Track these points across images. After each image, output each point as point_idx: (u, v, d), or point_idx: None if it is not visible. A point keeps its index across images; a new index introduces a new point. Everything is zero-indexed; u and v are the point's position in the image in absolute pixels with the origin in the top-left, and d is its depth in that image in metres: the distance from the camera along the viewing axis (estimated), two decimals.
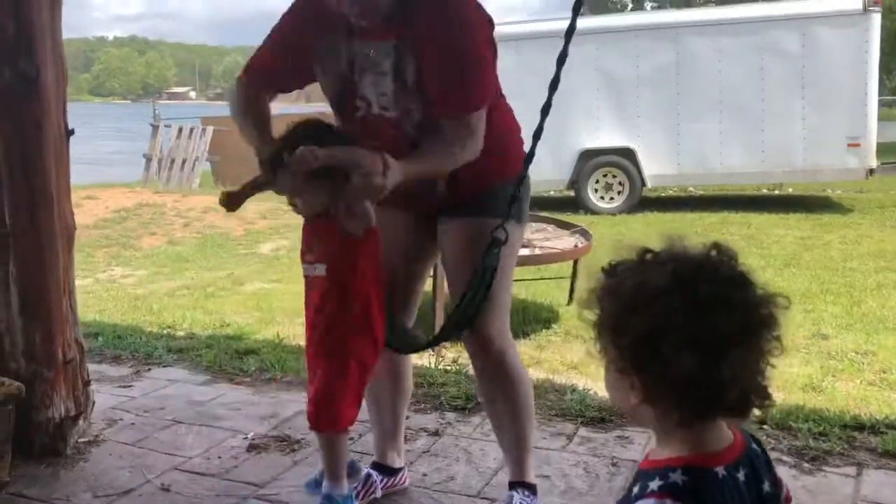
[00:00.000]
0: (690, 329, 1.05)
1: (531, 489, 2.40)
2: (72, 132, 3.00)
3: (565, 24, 2.10)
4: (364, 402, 2.36)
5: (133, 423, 3.27)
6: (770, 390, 1.13)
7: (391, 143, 2.03)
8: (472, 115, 2.04)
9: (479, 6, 2.08)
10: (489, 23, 2.07)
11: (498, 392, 2.34)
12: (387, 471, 2.58)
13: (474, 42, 2.05)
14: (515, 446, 2.39)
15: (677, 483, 1.07)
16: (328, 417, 2.16)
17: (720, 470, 1.09)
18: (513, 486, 2.40)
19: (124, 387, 3.74)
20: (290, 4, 2.22)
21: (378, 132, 2.11)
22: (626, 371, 1.11)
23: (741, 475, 1.10)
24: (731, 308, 1.07)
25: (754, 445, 1.18)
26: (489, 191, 2.20)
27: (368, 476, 2.54)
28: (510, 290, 2.42)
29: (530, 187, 2.31)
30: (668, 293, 1.07)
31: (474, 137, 2.05)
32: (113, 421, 3.28)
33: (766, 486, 1.15)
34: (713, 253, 1.15)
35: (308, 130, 2.03)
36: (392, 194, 1.94)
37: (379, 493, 2.53)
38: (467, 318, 2.18)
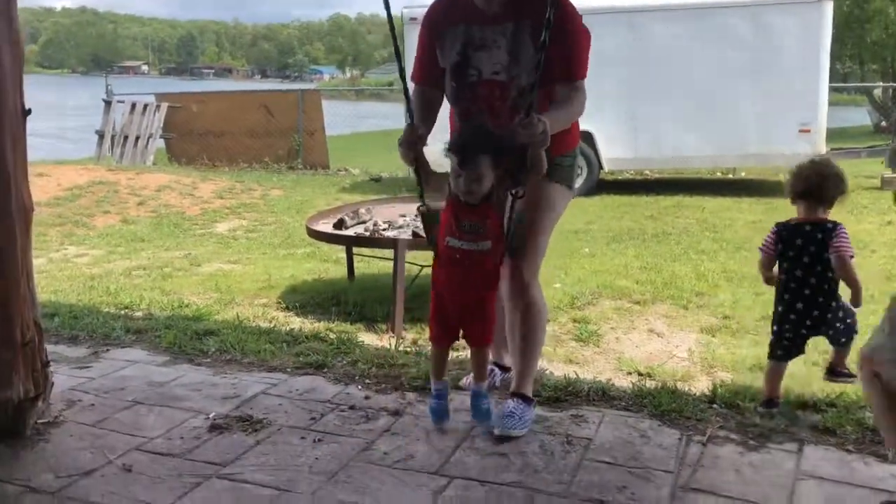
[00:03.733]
0: None
1: (527, 400, 3.01)
2: (29, 112, 2.96)
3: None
4: None
5: (93, 405, 3.27)
6: None
7: (498, 99, 2.84)
8: (581, 80, 2.86)
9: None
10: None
11: (518, 319, 3.00)
12: (502, 368, 3.44)
13: (581, 30, 2.84)
14: (522, 365, 3.04)
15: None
16: (489, 338, 3.01)
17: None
18: (513, 395, 3.02)
19: (83, 367, 3.73)
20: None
21: (488, 91, 2.85)
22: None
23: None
24: None
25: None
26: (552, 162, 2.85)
27: (492, 370, 3.37)
28: (547, 239, 3.05)
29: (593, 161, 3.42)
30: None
31: (584, 97, 2.86)
32: (72, 402, 3.27)
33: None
34: None
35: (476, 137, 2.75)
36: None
37: (497, 383, 3.37)
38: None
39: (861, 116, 25.03)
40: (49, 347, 3.56)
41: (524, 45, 2.77)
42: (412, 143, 2.81)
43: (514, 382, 3.08)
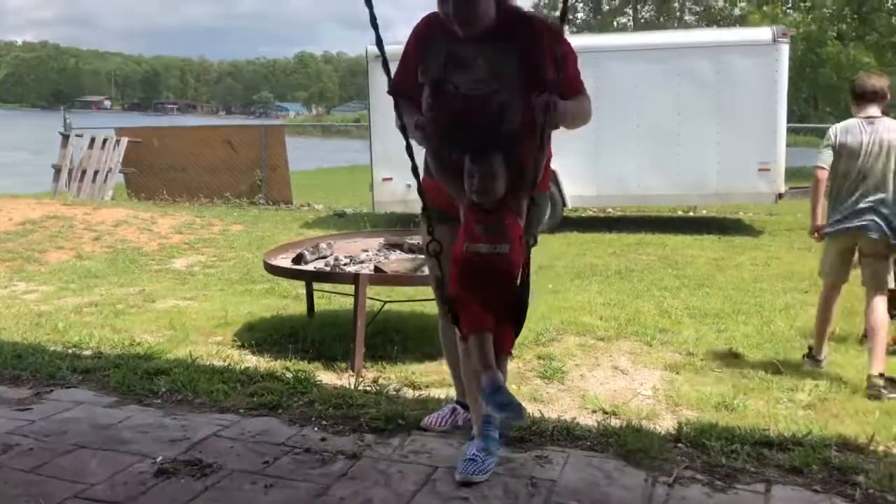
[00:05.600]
0: None
1: None
2: None
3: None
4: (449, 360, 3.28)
5: (31, 449, 3.09)
6: None
7: (477, 112, 2.83)
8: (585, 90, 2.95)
9: None
10: None
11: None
12: (465, 406, 3.28)
13: (571, 49, 2.87)
14: (483, 409, 2.88)
15: None
16: (509, 345, 2.77)
17: None
18: (474, 438, 2.94)
19: (23, 409, 3.55)
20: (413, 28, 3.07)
21: (467, 105, 2.86)
22: None
23: None
24: None
25: None
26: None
27: (454, 409, 3.34)
28: None
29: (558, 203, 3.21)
30: None
31: (590, 103, 2.97)
32: (9, 446, 3.10)
33: None
34: None
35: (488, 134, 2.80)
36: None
37: (460, 422, 3.29)
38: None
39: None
40: None
41: (507, 65, 2.82)
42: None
43: (476, 427, 2.97)
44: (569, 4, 2.88)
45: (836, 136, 4.53)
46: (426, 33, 3.01)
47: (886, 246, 4.42)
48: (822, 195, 4.58)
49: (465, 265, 2.69)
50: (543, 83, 2.72)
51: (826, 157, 4.52)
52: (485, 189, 2.64)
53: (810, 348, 4.74)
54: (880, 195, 4.40)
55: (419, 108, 2.98)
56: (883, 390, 4.14)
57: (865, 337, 4.71)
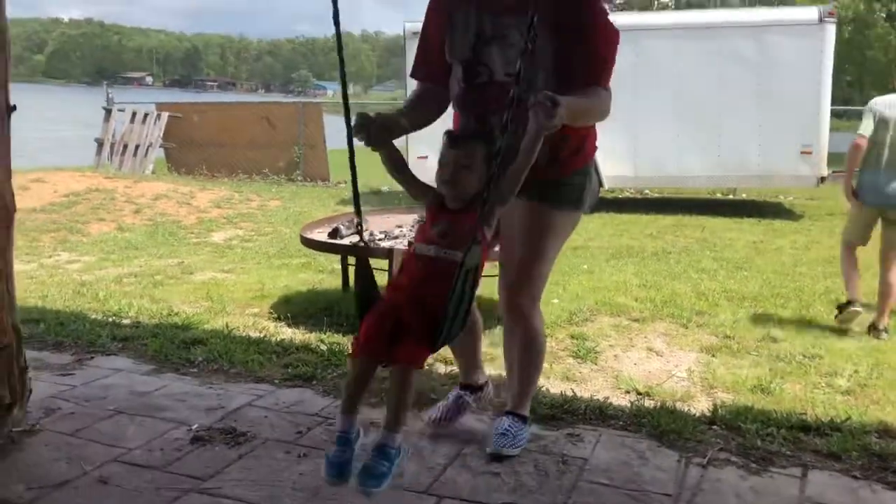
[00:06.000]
0: None
1: (522, 419, 2.88)
2: (13, 108, 2.87)
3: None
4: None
5: (73, 413, 3.16)
6: None
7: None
8: (608, 85, 2.52)
9: None
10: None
11: (517, 348, 2.86)
12: (474, 389, 3.11)
13: (609, 27, 2.50)
14: (519, 386, 2.89)
15: None
16: (420, 362, 2.26)
17: None
18: (507, 413, 2.88)
19: (65, 375, 3.62)
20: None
21: (501, 94, 2.26)
22: None
23: None
24: None
25: None
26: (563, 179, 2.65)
27: (459, 396, 3.08)
28: (550, 266, 2.80)
29: (596, 180, 2.84)
30: None
31: (609, 98, 2.52)
32: (51, 410, 3.16)
33: None
34: None
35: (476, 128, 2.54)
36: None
37: (472, 402, 3.10)
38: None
39: None
40: (33, 354, 3.48)
41: (542, 47, 2.38)
42: (359, 130, 2.33)
43: (510, 401, 2.96)
44: None
45: (878, 109, 4.95)
46: (449, 1, 2.60)
47: None
48: (858, 162, 5.00)
49: (407, 264, 2.33)
50: (589, 71, 2.42)
51: (867, 126, 4.93)
52: (455, 179, 2.26)
53: (839, 307, 5.03)
54: None
55: (442, 94, 2.64)
56: (883, 333, 4.87)
57: None
